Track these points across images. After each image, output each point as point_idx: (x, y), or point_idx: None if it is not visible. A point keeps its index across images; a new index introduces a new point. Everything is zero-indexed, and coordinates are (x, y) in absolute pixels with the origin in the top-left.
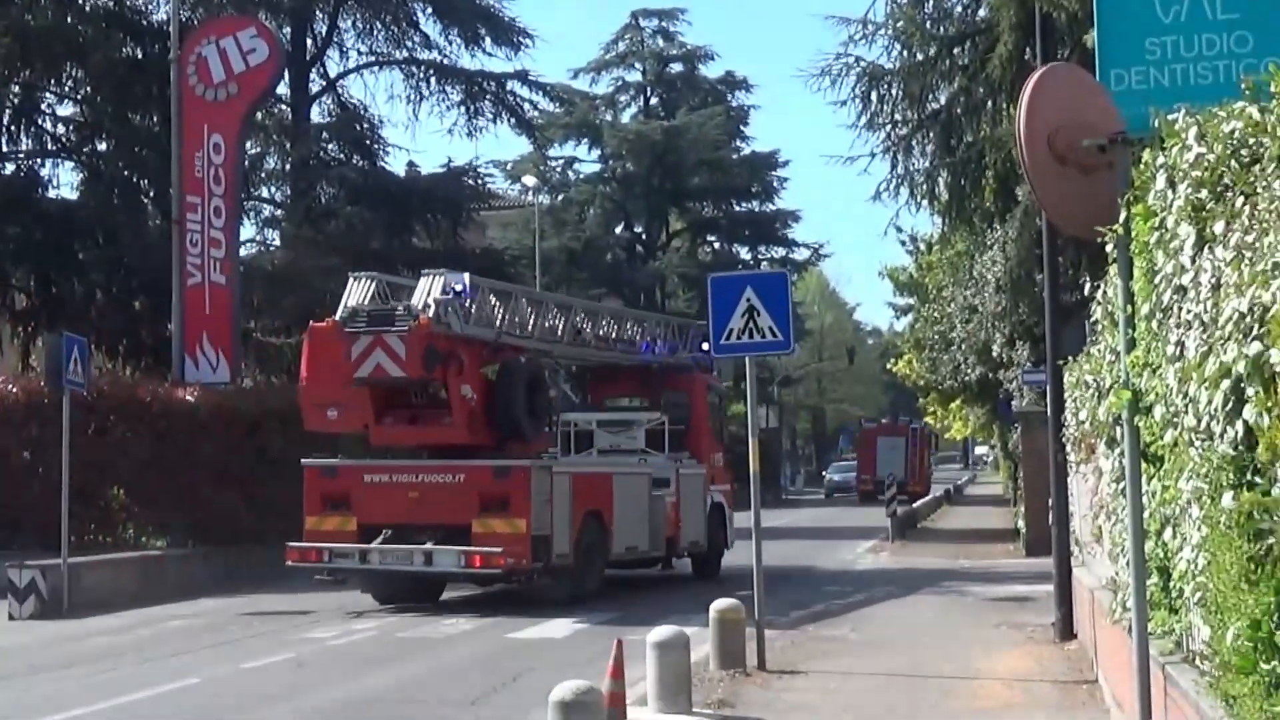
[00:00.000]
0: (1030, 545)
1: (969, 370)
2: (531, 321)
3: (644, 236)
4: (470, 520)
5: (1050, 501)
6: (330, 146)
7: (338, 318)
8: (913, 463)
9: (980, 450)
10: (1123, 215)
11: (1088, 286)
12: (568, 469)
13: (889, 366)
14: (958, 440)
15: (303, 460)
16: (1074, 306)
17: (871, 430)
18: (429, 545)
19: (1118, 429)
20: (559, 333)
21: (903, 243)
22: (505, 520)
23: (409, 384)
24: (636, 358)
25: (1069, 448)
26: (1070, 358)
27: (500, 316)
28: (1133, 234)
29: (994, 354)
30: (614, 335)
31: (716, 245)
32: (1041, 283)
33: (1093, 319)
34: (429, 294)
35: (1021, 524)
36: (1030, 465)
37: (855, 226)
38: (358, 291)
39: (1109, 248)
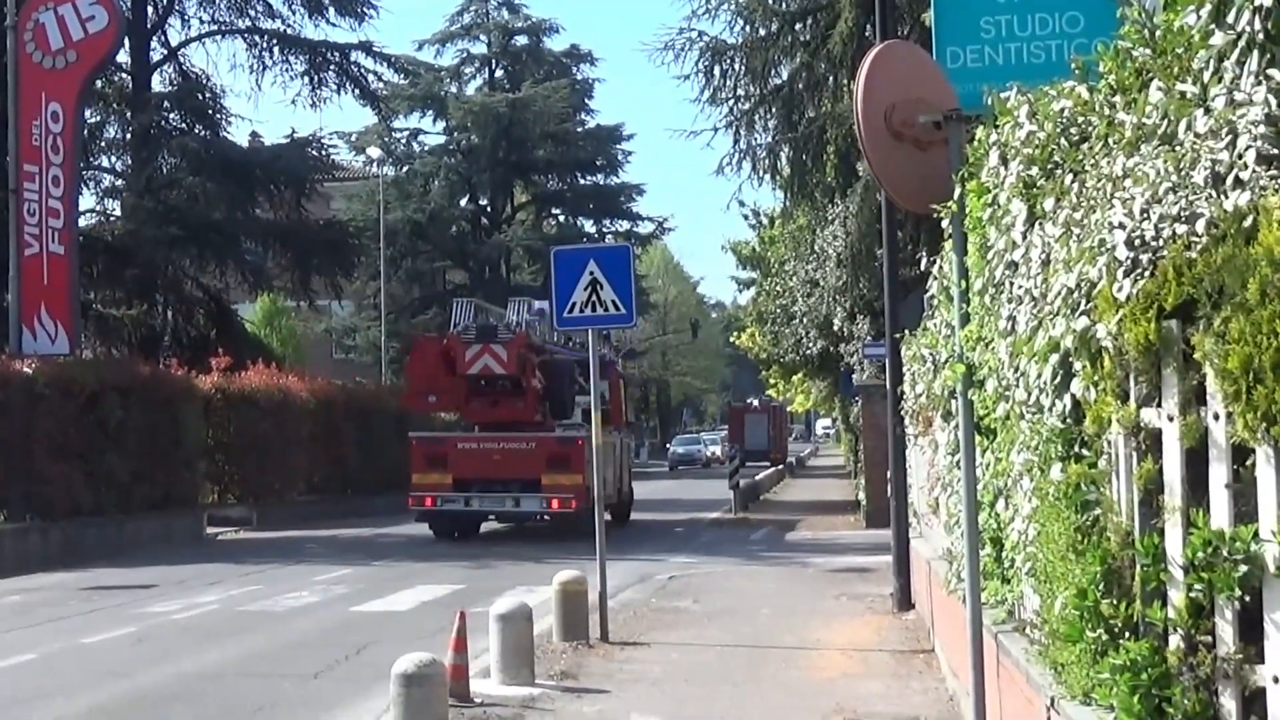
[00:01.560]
0: (870, 517)
1: (811, 344)
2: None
3: (489, 209)
4: (540, 475)
5: (889, 474)
6: (172, 116)
7: (454, 332)
8: (774, 436)
9: (824, 423)
10: (957, 191)
11: (924, 261)
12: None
13: (732, 340)
14: (800, 413)
15: (410, 434)
16: (912, 281)
17: (740, 409)
18: (518, 493)
19: (953, 402)
20: (562, 340)
21: (745, 217)
22: (567, 475)
23: (505, 378)
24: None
25: (907, 421)
26: (908, 331)
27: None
28: (967, 210)
29: (835, 328)
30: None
31: (561, 218)
32: (881, 258)
33: (930, 294)
34: (519, 314)
35: (862, 496)
36: (870, 438)
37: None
38: (463, 312)
39: (945, 223)
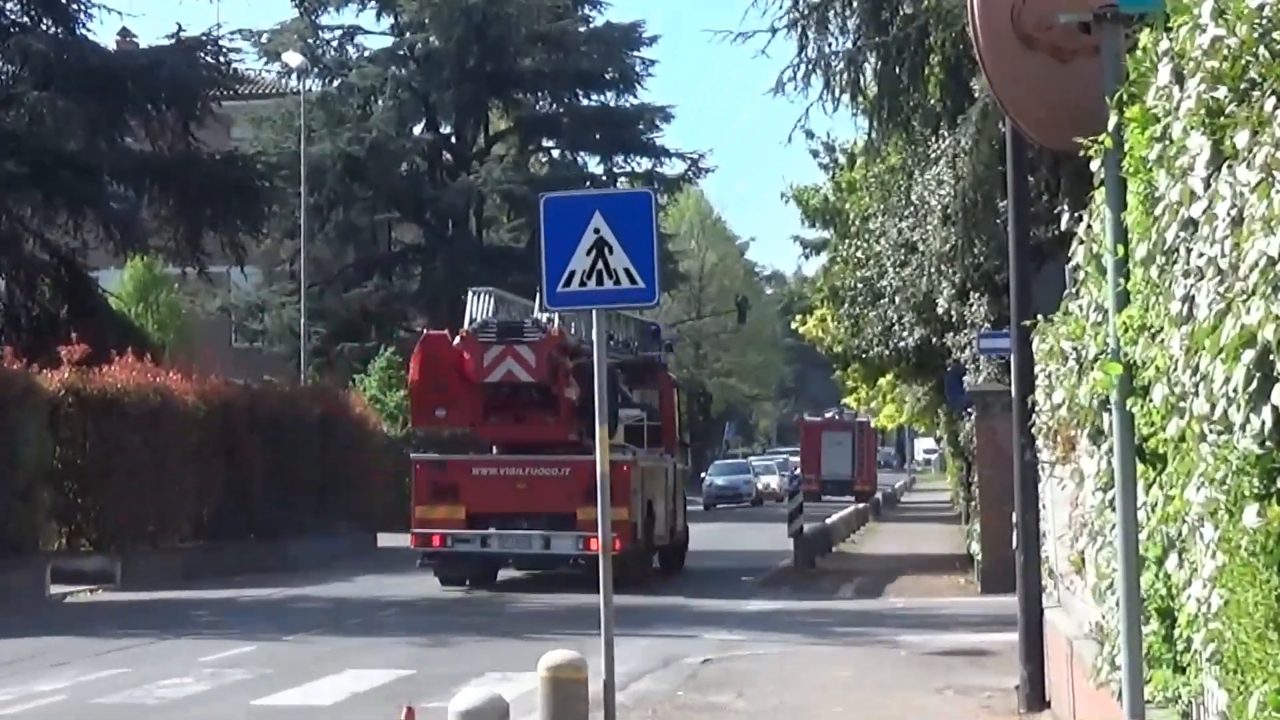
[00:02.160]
0: (987, 577)
1: (905, 332)
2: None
3: (454, 140)
4: (575, 509)
5: (1015, 517)
6: (10, 5)
7: (468, 330)
8: (861, 461)
9: (924, 446)
10: (1112, 120)
11: (1066, 219)
12: (644, 463)
13: (794, 326)
14: (889, 431)
15: (412, 455)
16: (1049, 246)
17: (815, 425)
18: (547, 531)
19: (1105, 417)
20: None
21: (814, 154)
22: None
23: (533, 387)
24: (617, 358)
25: (1040, 442)
26: (1043, 317)
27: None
28: (1126, 147)
29: (939, 310)
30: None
31: (555, 153)
32: (1005, 213)
33: (1073, 264)
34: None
35: (975, 548)
36: (988, 466)
37: (749, 131)
38: (480, 305)
39: (1094, 165)
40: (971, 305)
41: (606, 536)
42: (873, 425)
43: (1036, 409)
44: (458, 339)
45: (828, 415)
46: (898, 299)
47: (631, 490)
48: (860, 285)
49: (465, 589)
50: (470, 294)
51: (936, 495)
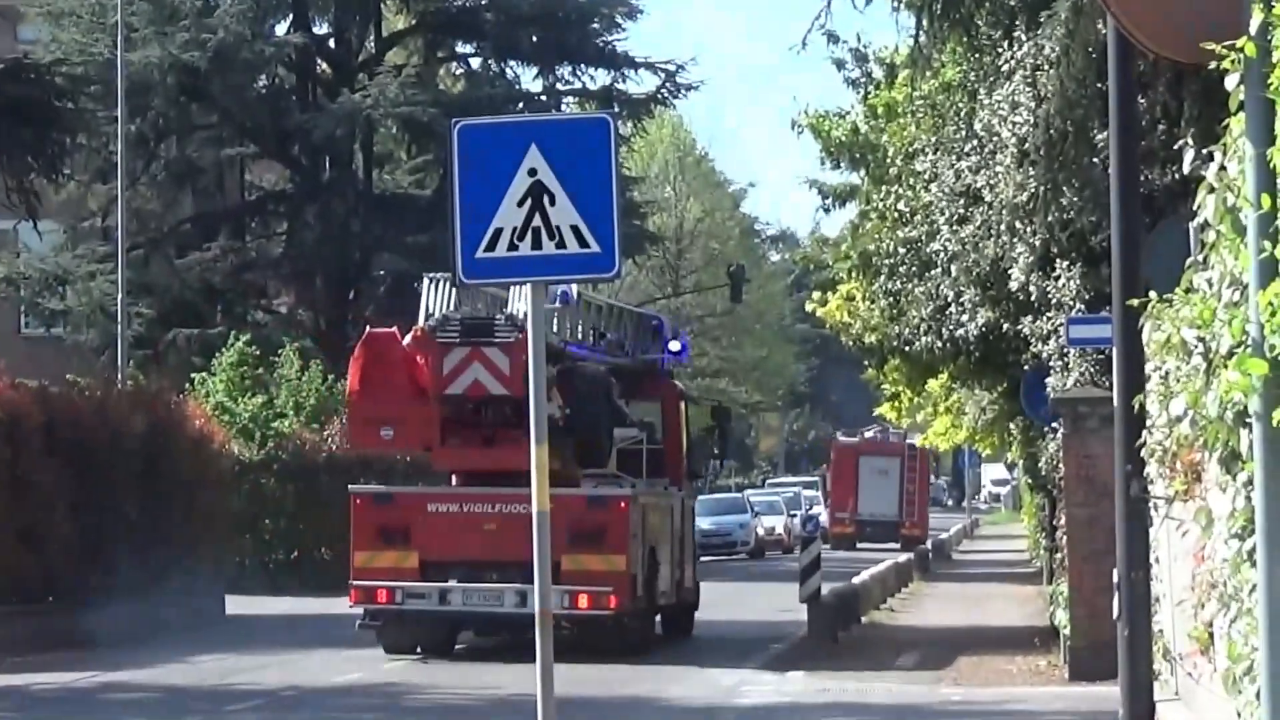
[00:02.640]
0: (1078, 658)
1: (964, 316)
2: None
3: (332, 44)
4: (560, 557)
5: (1117, 575)
6: None
7: (424, 325)
8: (911, 496)
9: (993, 475)
10: (1255, 19)
11: (1190, 159)
12: (645, 498)
13: (809, 307)
14: (945, 453)
15: (350, 487)
16: (1167, 195)
17: (850, 447)
18: (523, 584)
19: (1242, 433)
20: (581, 335)
21: (839, 64)
22: (601, 556)
23: (506, 401)
24: (606, 361)
25: (1153, 469)
26: (1158, 295)
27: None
28: (1275, 57)
29: (1012, 286)
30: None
31: (475, 63)
32: (1104, 150)
33: (1200, 220)
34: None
35: (1061, 617)
36: (1079, 503)
37: (747, 33)
38: (438, 295)
39: (1230, 82)
40: (1057, 278)
41: (545, 593)
42: (926, 448)
43: (1148, 424)
44: (409, 338)
45: (867, 434)
46: (954, 269)
47: (630, 533)
48: (903, 250)
49: (417, 656)
50: (425, 281)
51: (1007, 544)
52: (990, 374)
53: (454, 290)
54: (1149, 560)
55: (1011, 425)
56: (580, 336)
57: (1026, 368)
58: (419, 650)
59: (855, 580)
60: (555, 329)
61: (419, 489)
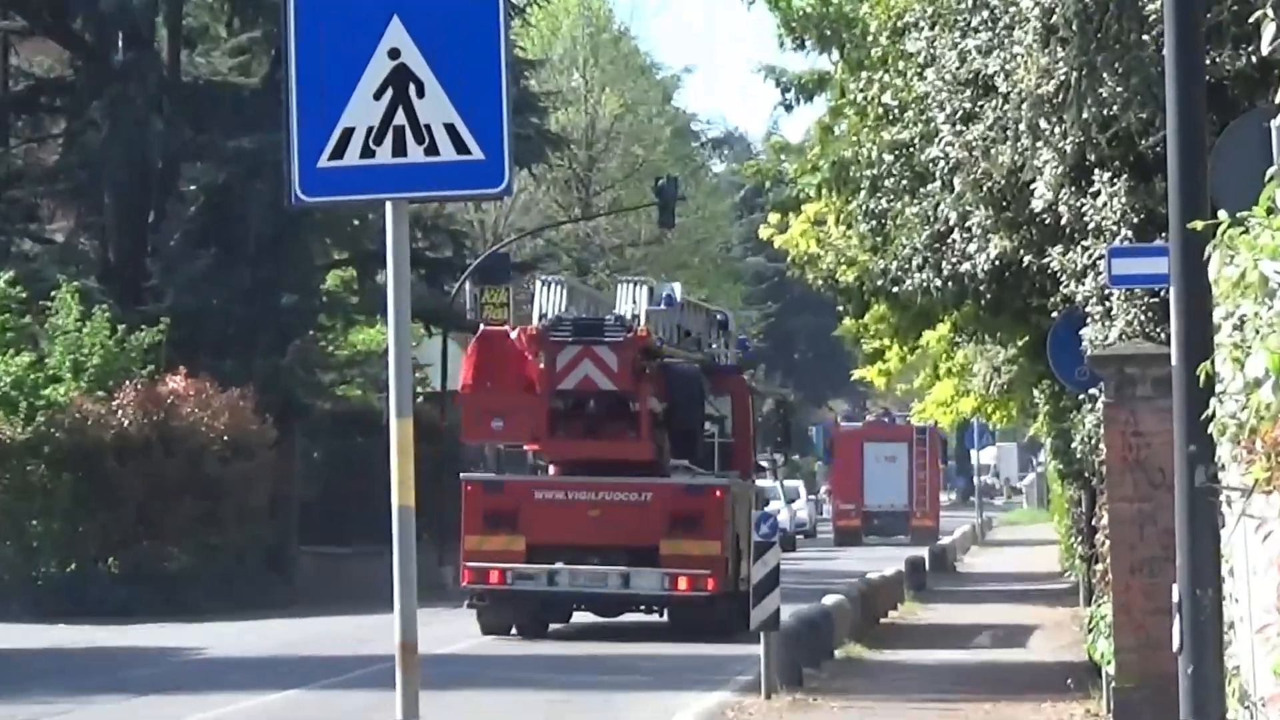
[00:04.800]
0: (1127, 704)
1: (972, 245)
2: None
3: None
4: (657, 541)
5: (1177, 592)
6: None
7: (538, 325)
8: (920, 482)
9: (1004, 458)
10: None
11: (1270, 34)
12: (735, 489)
13: (765, 235)
14: (949, 434)
15: (462, 475)
16: (1240, 81)
17: (854, 433)
18: (625, 566)
19: None
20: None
21: None
22: (698, 542)
23: (613, 396)
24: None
25: (1224, 450)
26: (1228, 214)
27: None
28: None
29: (1035, 206)
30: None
31: None
32: (1157, 20)
33: None
34: (635, 302)
35: (1104, 648)
36: (1127, 496)
37: None
38: (553, 298)
39: None
40: (1095, 195)
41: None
42: (937, 430)
43: (1218, 390)
44: (521, 335)
45: (871, 418)
46: (958, 183)
47: (725, 520)
48: (890, 158)
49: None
50: (539, 284)
51: (1030, 549)
52: (1007, 323)
53: (565, 291)
54: (1220, 573)
55: (1035, 392)
56: (666, 334)
57: (1055, 315)
58: (523, 630)
59: (826, 602)
60: (658, 331)
61: (528, 477)
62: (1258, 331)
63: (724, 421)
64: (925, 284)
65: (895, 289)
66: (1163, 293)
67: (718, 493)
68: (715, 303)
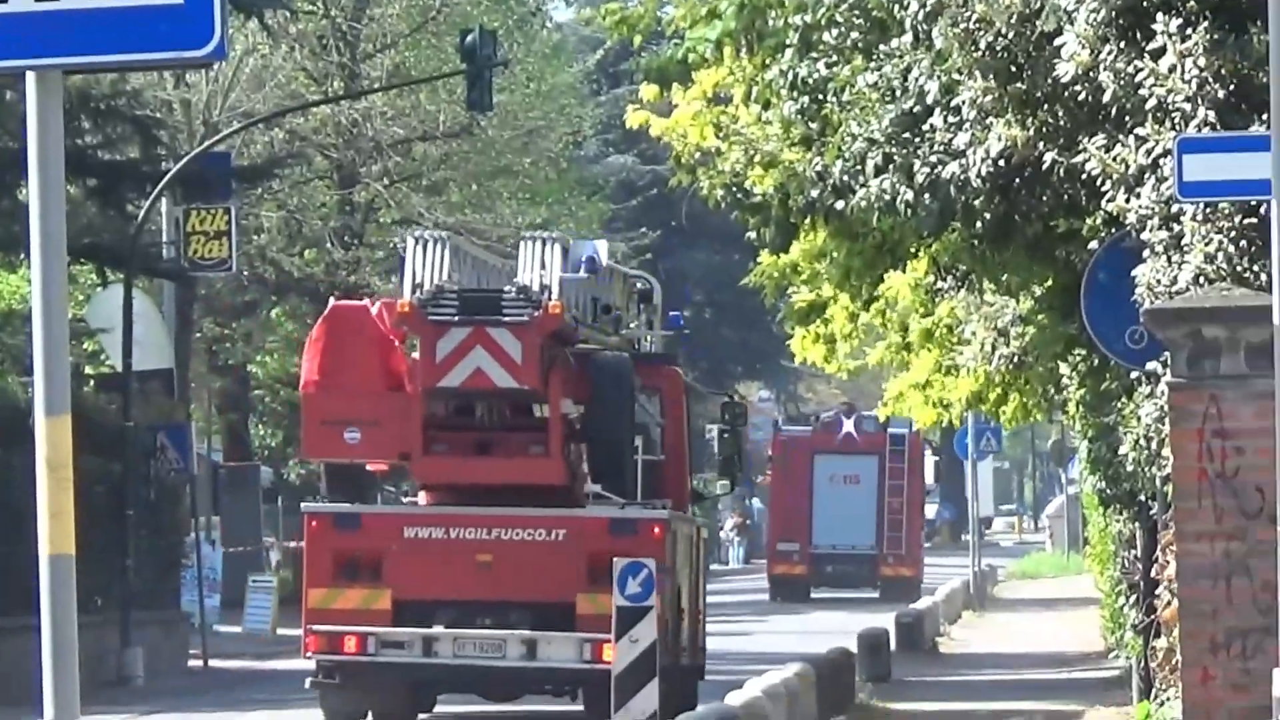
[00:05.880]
0: None
1: (959, 134)
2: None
3: None
4: (574, 596)
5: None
6: None
7: (413, 299)
8: (893, 512)
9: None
10: None
11: None
12: (676, 524)
13: (632, 119)
14: (932, 438)
15: (304, 505)
16: None
17: (800, 441)
18: (529, 630)
19: None
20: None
21: None
22: None
23: (516, 395)
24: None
25: None
26: None
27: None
28: None
29: (1057, 69)
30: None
31: None
32: None
33: None
34: (545, 267)
35: None
36: (1205, 531)
37: None
38: (430, 260)
39: None
40: (1158, 55)
41: None
42: (919, 437)
43: None
44: (387, 311)
45: (827, 416)
46: (939, 36)
47: (665, 568)
48: (851, 17)
49: None
50: (410, 242)
51: (1057, 616)
52: (1017, 259)
53: (448, 253)
54: None
55: (1063, 369)
56: (581, 310)
57: (1093, 246)
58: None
59: (733, 701)
60: (574, 307)
61: (395, 508)
62: None
63: (650, 431)
64: (889, 196)
65: (841, 204)
66: (1263, 209)
67: (655, 529)
68: (560, 227)
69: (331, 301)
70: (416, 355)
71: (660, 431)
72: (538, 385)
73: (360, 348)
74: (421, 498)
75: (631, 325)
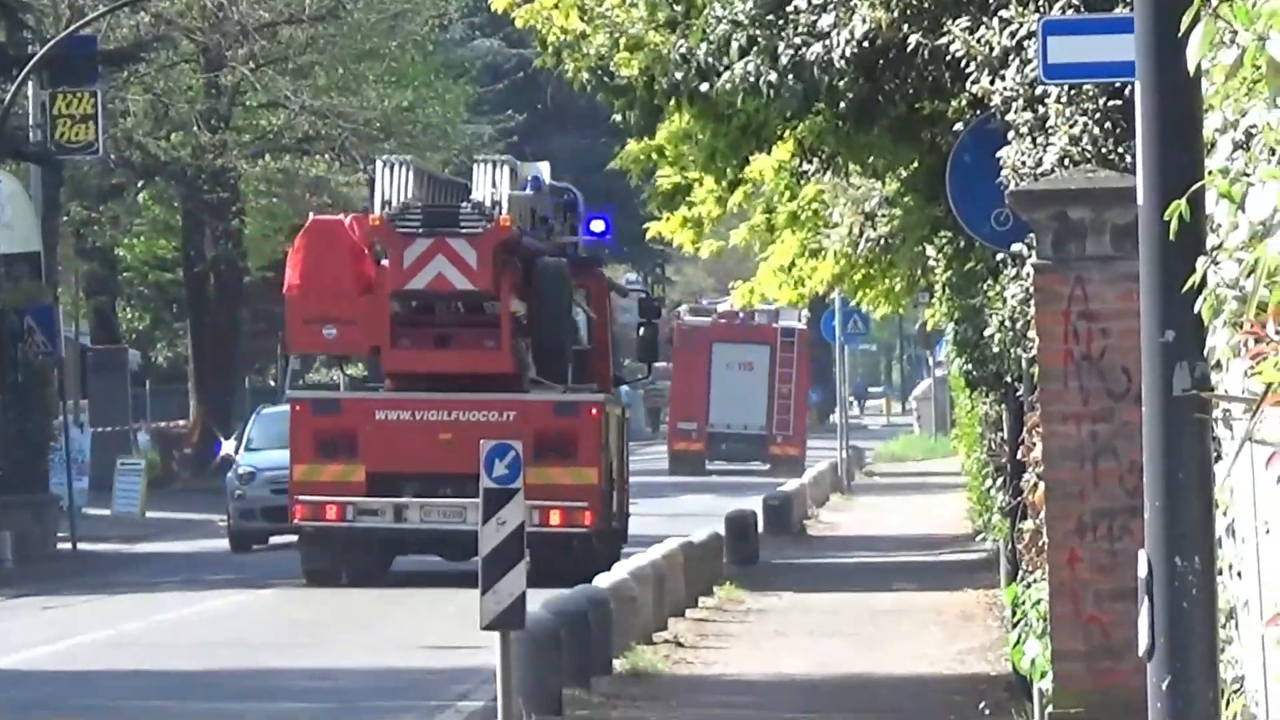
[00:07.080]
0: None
1: (822, 18)
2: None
3: None
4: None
5: (1144, 560)
6: None
7: (382, 214)
8: (782, 397)
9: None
10: None
11: None
12: (609, 406)
13: (497, 2)
14: (807, 325)
15: (289, 392)
16: None
17: (698, 332)
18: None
19: None
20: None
21: None
22: (571, 469)
23: (472, 297)
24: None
25: (1219, 338)
26: None
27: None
28: None
29: None
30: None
31: None
32: None
33: None
34: (495, 185)
35: (1035, 651)
36: (1071, 413)
37: None
38: (397, 181)
39: None
40: None
41: None
42: (806, 337)
43: (1211, 242)
44: (359, 225)
45: (722, 308)
46: None
47: (601, 444)
48: None
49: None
50: (379, 164)
51: (924, 499)
52: (882, 142)
53: (412, 175)
54: (1212, 532)
55: (929, 251)
56: (524, 221)
57: (958, 128)
58: (350, 576)
59: (602, 583)
60: (520, 219)
61: (368, 394)
62: (1272, 151)
63: (580, 326)
64: (753, 78)
65: (705, 87)
66: (1127, 91)
67: (593, 410)
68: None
69: (311, 216)
70: (386, 262)
71: (588, 325)
72: (491, 287)
73: (336, 256)
74: (387, 384)
75: (560, 231)
